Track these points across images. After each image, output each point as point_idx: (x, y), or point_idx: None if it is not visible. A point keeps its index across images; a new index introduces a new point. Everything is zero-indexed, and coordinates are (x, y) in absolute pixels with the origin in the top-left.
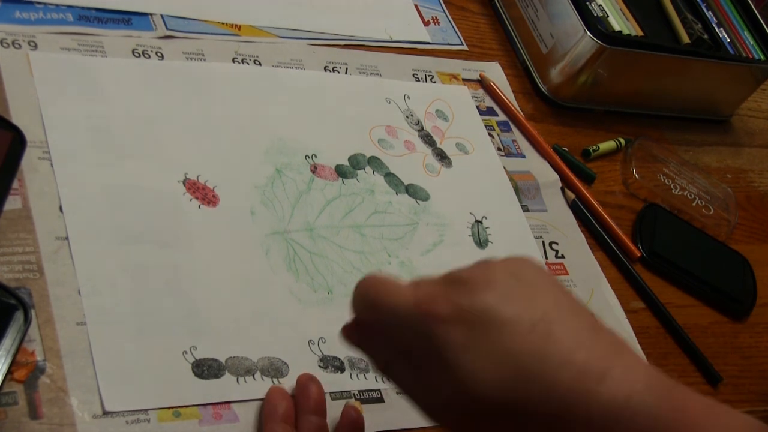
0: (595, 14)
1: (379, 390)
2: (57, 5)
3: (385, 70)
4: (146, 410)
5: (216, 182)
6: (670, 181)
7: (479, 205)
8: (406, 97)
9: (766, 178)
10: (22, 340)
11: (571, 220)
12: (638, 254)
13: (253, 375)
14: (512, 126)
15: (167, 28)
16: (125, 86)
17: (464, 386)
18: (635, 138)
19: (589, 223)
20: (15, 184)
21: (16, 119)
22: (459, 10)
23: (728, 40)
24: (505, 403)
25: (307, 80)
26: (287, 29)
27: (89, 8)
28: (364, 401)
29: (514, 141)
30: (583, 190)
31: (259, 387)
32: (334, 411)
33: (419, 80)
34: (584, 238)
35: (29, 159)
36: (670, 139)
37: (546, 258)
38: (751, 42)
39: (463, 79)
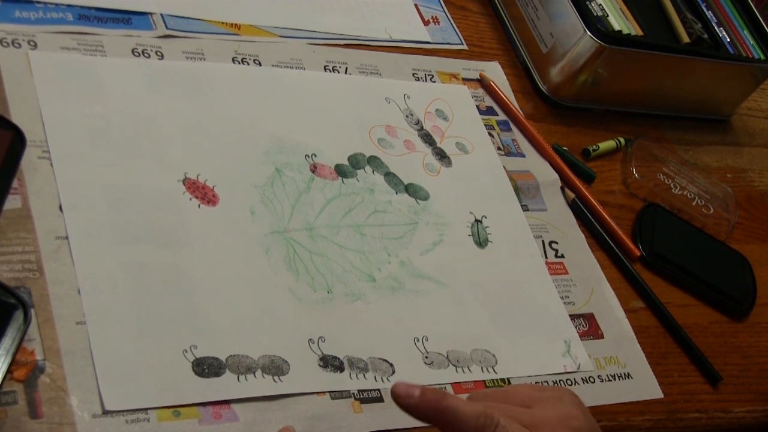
0: (595, 14)
1: (379, 390)
2: (57, 4)
3: (385, 70)
4: (146, 409)
5: (216, 182)
6: (670, 181)
7: (479, 205)
8: (405, 96)
9: (766, 177)
10: (21, 340)
11: (570, 219)
12: (638, 254)
13: (254, 373)
14: (512, 125)
15: (167, 28)
16: (125, 86)
17: None
18: (635, 138)
19: (589, 222)
20: (15, 184)
21: (16, 119)
22: (459, 10)
23: (728, 40)
24: None
25: (307, 80)
26: (287, 29)
27: (89, 7)
28: (363, 401)
29: (513, 140)
30: (583, 190)
31: (260, 385)
32: (333, 411)
33: (419, 80)
34: (584, 237)
35: (29, 158)
36: (670, 138)
37: (546, 257)
38: (751, 42)
39: (463, 79)
